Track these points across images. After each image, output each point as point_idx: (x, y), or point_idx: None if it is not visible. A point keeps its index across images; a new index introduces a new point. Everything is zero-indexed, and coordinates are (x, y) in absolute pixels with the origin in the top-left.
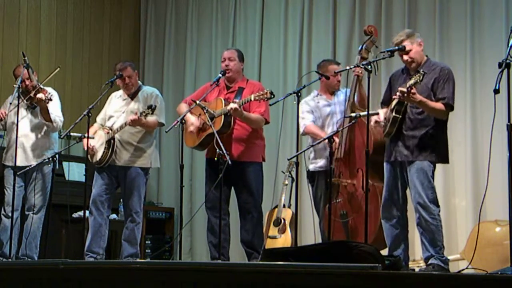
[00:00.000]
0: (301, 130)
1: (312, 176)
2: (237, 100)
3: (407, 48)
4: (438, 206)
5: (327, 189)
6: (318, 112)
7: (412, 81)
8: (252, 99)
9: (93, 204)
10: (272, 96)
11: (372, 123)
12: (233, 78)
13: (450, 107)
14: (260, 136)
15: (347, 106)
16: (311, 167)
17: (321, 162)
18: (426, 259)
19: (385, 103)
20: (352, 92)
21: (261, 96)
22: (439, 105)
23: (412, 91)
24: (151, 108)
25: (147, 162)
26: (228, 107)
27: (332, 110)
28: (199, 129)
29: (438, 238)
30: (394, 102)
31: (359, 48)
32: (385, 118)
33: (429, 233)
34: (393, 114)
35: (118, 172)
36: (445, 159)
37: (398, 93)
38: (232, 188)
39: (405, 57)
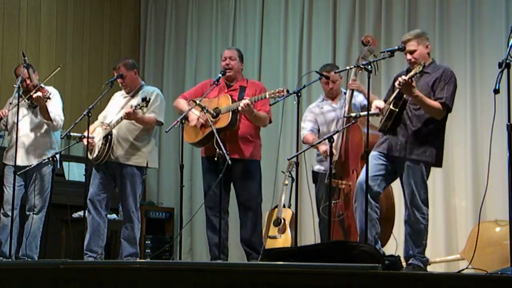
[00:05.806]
0: (301, 138)
1: (315, 176)
2: (247, 98)
3: (412, 48)
4: (428, 206)
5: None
6: (323, 118)
7: (412, 73)
8: (267, 96)
9: (91, 203)
10: (288, 93)
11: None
12: (233, 77)
13: (447, 107)
14: (258, 135)
15: (347, 107)
16: (316, 167)
17: (325, 165)
18: (406, 258)
19: (387, 101)
20: (348, 102)
21: (277, 94)
22: (436, 104)
23: (412, 83)
24: (145, 101)
25: (142, 161)
26: (241, 103)
27: (337, 115)
28: (201, 125)
29: (423, 238)
30: (393, 95)
31: (357, 58)
32: (382, 110)
33: (416, 232)
34: (390, 106)
35: (115, 170)
36: (438, 163)
37: (397, 82)
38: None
39: (409, 56)
